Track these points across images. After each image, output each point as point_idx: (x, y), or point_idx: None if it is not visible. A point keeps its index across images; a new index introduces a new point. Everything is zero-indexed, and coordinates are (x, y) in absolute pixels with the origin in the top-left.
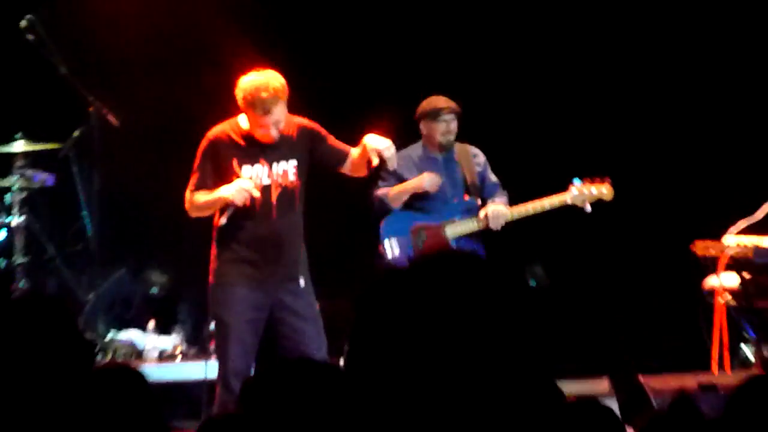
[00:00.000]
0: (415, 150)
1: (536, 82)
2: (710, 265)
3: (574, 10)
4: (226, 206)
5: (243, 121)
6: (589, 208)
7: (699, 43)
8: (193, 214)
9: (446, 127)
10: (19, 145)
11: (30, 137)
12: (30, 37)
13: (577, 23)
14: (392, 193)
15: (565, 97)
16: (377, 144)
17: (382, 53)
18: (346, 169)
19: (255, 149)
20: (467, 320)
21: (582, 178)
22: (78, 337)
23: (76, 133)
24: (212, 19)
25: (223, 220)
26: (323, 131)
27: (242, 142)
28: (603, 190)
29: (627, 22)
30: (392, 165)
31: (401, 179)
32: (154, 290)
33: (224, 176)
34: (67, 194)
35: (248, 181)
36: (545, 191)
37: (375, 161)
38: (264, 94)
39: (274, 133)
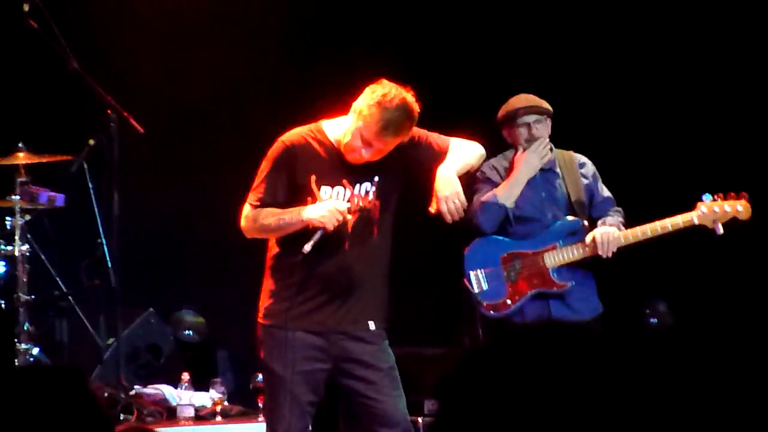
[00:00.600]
0: (505, 160)
1: (658, 79)
2: None
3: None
4: (304, 232)
5: (330, 129)
6: (721, 230)
7: None
8: (253, 234)
9: (528, 132)
10: (22, 157)
11: (34, 147)
12: (34, 24)
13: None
14: (500, 190)
15: (692, 96)
16: (441, 190)
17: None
18: None
19: (339, 166)
20: (575, 416)
21: (713, 194)
22: (97, 417)
23: (91, 142)
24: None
25: (307, 247)
26: (415, 134)
27: (325, 156)
28: (738, 207)
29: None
30: (449, 219)
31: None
32: (189, 334)
33: (297, 194)
34: (82, 217)
35: (343, 203)
36: (669, 210)
37: (433, 208)
38: (398, 116)
39: (367, 158)
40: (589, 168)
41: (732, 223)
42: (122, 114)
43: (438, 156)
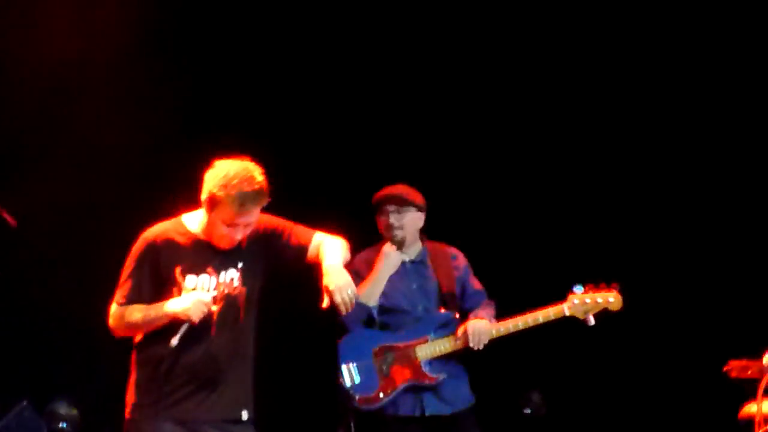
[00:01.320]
0: (377, 251)
1: (529, 168)
2: (748, 390)
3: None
4: (170, 325)
5: (189, 221)
6: (592, 321)
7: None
8: (122, 333)
9: (387, 222)
10: None
11: None
12: None
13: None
14: (362, 290)
15: (563, 186)
16: (330, 282)
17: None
18: (313, 258)
19: (203, 255)
20: None
21: (585, 284)
22: None
23: None
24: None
25: (174, 341)
26: (277, 222)
27: (188, 246)
28: (610, 298)
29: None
30: (344, 310)
31: None
32: (63, 427)
33: (163, 288)
34: None
35: (207, 294)
36: (540, 301)
37: (325, 303)
38: (248, 189)
39: (238, 237)
40: (461, 260)
41: (606, 315)
42: None
43: (301, 247)
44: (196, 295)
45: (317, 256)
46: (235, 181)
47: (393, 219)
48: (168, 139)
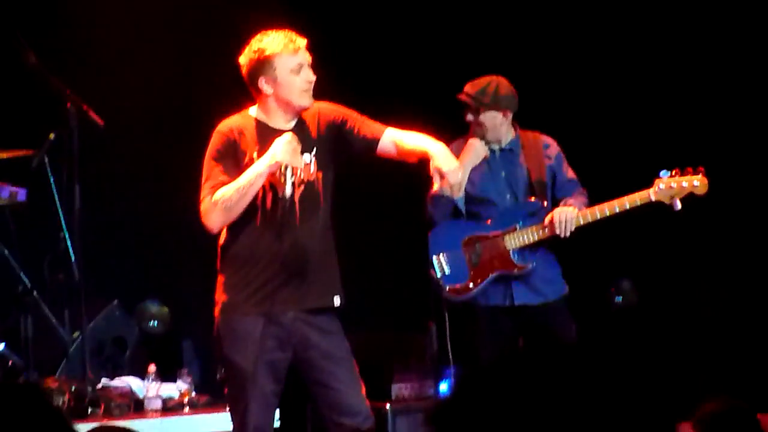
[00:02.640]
0: (465, 141)
1: (613, 60)
2: None
3: None
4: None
5: (255, 111)
6: (678, 206)
7: None
8: (218, 219)
9: (469, 119)
10: None
11: None
12: None
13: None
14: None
15: (647, 70)
16: (444, 164)
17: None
18: (386, 152)
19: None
20: None
21: (671, 169)
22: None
23: (51, 136)
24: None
25: (288, 191)
26: (345, 113)
27: (261, 134)
28: (695, 182)
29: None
30: (456, 193)
31: None
32: (153, 326)
33: None
34: (43, 212)
35: (285, 135)
36: (629, 187)
37: (436, 185)
38: (284, 38)
39: (311, 79)
40: (554, 149)
41: (690, 198)
42: (82, 107)
43: (372, 140)
44: (277, 140)
45: (398, 149)
46: (266, 36)
47: (470, 117)
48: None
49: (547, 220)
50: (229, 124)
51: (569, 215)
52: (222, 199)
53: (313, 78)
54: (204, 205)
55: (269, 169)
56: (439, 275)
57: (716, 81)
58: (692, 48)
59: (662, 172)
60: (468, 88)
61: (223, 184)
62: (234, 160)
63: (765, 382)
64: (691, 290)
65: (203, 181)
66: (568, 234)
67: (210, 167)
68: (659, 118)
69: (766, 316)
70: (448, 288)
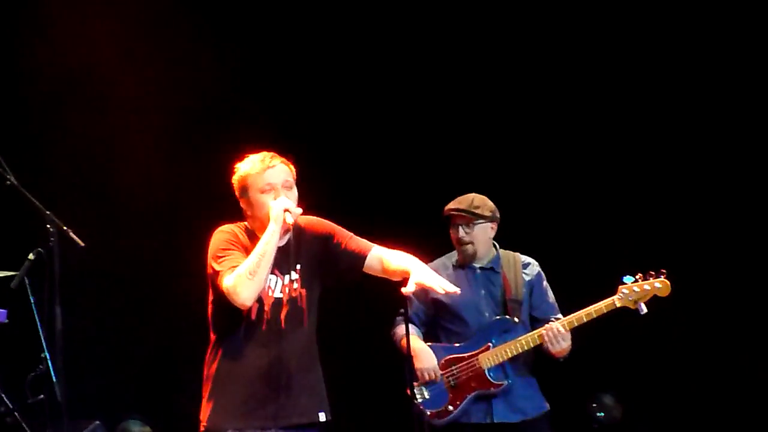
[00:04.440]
0: (451, 258)
1: (571, 170)
2: None
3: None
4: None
5: (247, 228)
6: (644, 309)
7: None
8: (249, 289)
9: (457, 236)
10: None
11: None
12: None
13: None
14: (403, 343)
15: (609, 181)
16: (427, 281)
17: (411, 138)
18: (372, 269)
19: None
20: None
21: (634, 274)
22: None
23: (30, 257)
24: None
25: (289, 219)
26: (333, 228)
27: (252, 247)
28: (656, 284)
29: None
30: (442, 291)
31: (432, 301)
32: None
33: None
34: (24, 333)
35: (283, 198)
36: (593, 298)
37: (410, 289)
38: (269, 161)
39: (292, 200)
40: (534, 268)
41: (655, 301)
42: (61, 228)
43: (359, 256)
44: (277, 202)
45: (383, 266)
46: (252, 164)
47: (463, 233)
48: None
49: (537, 333)
50: (229, 228)
51: (561, 332)
52: (246, 270)
53: (283, 198)
54: (229, 283)
55: (278, 222)
56: (419, 400)
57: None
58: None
59: (625, 278)
60: (455, 204)
61: (240, 260)
62: (242, 245)
63: None
64: (676, 398)
65: (217, 267)
66: (561, 348)
67: (223, 255)
68: (620, 223)
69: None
70: (429, 413)
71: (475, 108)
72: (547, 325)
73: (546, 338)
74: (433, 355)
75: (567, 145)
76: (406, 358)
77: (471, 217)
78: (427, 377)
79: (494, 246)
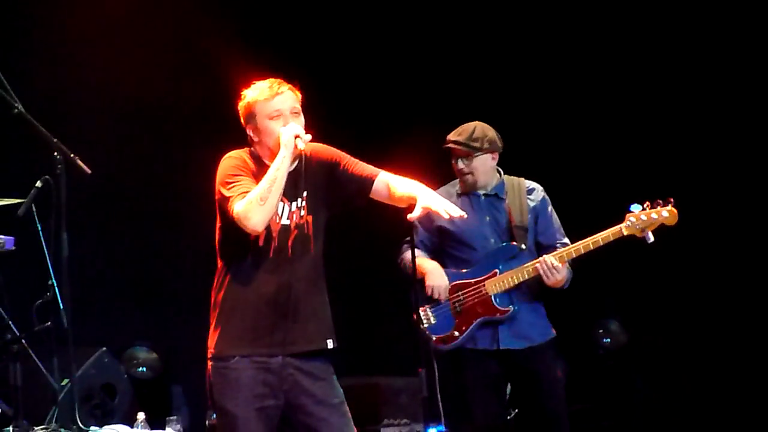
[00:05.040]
0: (455, 186)
1: (580, 97)
2: None
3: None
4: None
5: (254, 154)
6: (651, 238)
7: None
8: (262, 214)
9: (457, 167)
10: None
11: None
12: None
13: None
14: (409, 265)
15: (616, 107)
16: (434, 205)
17: (413, 65)
18: (379, 195)
19: None
20: None
21: (641, 202)
22: None
23: (38, 185)
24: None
25: (300, 144)
26: (339, 154)
27: (260, 172)
28: (664, 213)
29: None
30: (447, 216)
31: (438, 229)
32: (142, 371)
33: None
34: (31, 260)
35: (293, 124)
36: (603, 223)
37: (416, 215)
38: (277, 87)
39: (301, 126)
40: (539, 193)
41: (663, 229)
42: (68, 155)
43: (366, 180)
44: (281, 131)
45: (390, 192)
46: (258, 90)
47: (462, 164)
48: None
49: (531, 266)
50: (237, 154)
51: (554, 264)
52: (257, 196)
53: (293, 125)
54: (239, 209)
55: (289, 148)
56: (425, 326)
57: (681, 112)
58: (654, 80)
59: (632, 206)
60: (454, 135)
61: (251, 185)
62: (251, 176)
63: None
64: (681, 325)
65: (227, 193)
66: (556, 280)
67: (232, 180)
68: (628, 151)
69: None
70: (435, 338)
71: (481, 31)
72: (541, 258)
73: (540, 271)
74: (444, 274)
75: (575, 69)
76: (413, 282)
77: (469, 150)
78: (437, 295)
79: (498, 172)
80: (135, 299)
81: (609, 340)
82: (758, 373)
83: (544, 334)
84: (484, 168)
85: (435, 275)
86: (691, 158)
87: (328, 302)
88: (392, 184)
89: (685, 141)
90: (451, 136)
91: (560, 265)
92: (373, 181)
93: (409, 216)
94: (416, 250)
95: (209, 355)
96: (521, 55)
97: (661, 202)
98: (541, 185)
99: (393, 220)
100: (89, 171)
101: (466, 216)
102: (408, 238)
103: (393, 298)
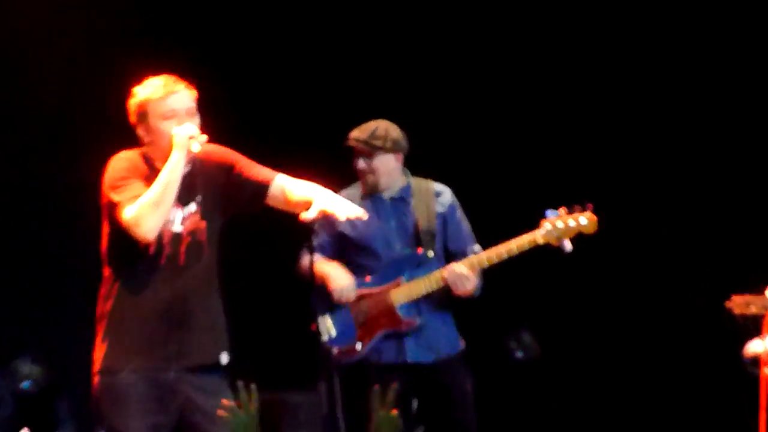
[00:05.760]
0: (358, 189)
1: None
2: (752, 327)
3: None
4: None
5: (145, 153)
6: (568, 247)
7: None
8: (154, 219)
9: (356, 166)
10: None
11: None
12: None
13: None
14: (307, 271)
15: (530, 103)
16: (330, 207)
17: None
18: (275, 201)
19: None
20: None
21: (558, 208)
22: None
23: None
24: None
25: (195, 148)
26: (233, 157)
27: (151, 175)
28: (582, 220)
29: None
30: (343, 218)
31: (339, 235)
32: (26, 385)
33: None
34: None
35: (188, 125)
36: (517, 229)
37: (310, 215)
38: (173, 86)
39: (195, 147)
40: (447, 197)
41: (580, 238)
42: None
43: (261, 185)
44: (181, 128)
45: (286, 198)
46: (150, 80)
47: (363, 164)
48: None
49: (439, 275)
50: (128, 155)
51: (462, 273)
52: (149, 200)
53: (188, 125)
54: (130, 215)
55: (183, 150)
56: (325, 338)
57: (600, 108)
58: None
59: (548, 212)
60: (356, 133)
61: (140, 195)
62: (142, 179)
63: None
64: (593, 338)
65: (115, 198)
66: (464, 292)
67: (121, 184)
68: (541, 152)
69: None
70: (336, 350)
71: (386, 23)
72: (448, 266)
73: (448, 281)
74: (348, 273)
75: (488, 64)
76: (313, 289)
77: (370, 149)
78: (346, 297)
79: (405, 173)
80: (17, 305)
81: (522, 352)
82: (673, 383)
83: (453, 346)
84: (387, 168)
85: (338, 276)
86: (606, 160)
87: (223, 312)
88: (288, 189)
89: (600, 141)
90: (352, 134)
91: (470, 273)
92: (269, 187)
93: (302, 215)
94: (315, 254)
95: (96, 369)
96: (432, 50)
97: (579, 207)
98: (450, 188)
99: (292, 223)
100: None
101: (366, 217)
102: (307, 243)
103: (292, 306)
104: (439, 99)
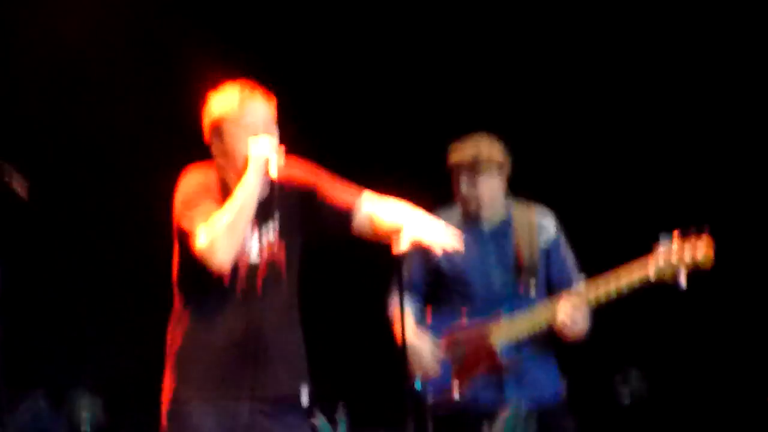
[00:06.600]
0: (454, 214)
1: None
2: None
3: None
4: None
5: (220, 173)
6: (684, 283)
7: None
8: (229, 245)
9: (460, 192)
10: None
11: None
12: None
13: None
14: (396, 327)
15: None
16: (426, 237)
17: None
18: (363, 230)
19: None
20: None
21: (671, 231)
22: None
23: None
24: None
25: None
26: (316, 179)
27: (224, 199)
28: (698, 253)
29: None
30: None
31: (434, 268)
32: (85, 420)
33: None
34: None
35: (265, 143)
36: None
37: (402, 249)
38: (249, 97)
39: (273, 171)
40: (551, 231)
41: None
42: (5, 178)
43: (346, 216)
44: (252, 153)
45: (373, 227)
46: (224, 100)
47: (466, 189)
48: None
49: (554, 314)
50: (199, 169)
51: (574, 315)
52: (222, 229)
53: (264, 142)
54: (204, 244)
55: (259, 173)
56: (420, 386)
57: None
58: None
59: (662, 238)
60: (458, 154)
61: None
62: (216, 195)
63: None
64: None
65: (188, 226)
66: (577, 333)
67: (194, 207)
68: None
69: None
70: (432, 399)
71: (480, 39)
72: (561, 307)
73: (562, 325)
74: (431, 349)
75: (592, 78)
76: (401, 348)
77: (474, 170)
78: (422, 377)
79: (507, 200)
80: (77, 336)
81: (629, 392)
82: None
83: (555, 389)
84: (492, 193)
85: (418, 354)
86: (719, 176)
87: (303, 343)
88: (375, 216)
89: (709, 154)
90: (453, 153)
91: (582, 315)
92: (354, 215)
93: (394, 248)
94: (407, 296)
95: (165, 399)
96: (537, 62)
97: (694, 234)
98: (552, 208)
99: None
100: (25, 195)
101: (463, 250)
102: (396, 273)
103: (380, 337)
104: (537, 112)
